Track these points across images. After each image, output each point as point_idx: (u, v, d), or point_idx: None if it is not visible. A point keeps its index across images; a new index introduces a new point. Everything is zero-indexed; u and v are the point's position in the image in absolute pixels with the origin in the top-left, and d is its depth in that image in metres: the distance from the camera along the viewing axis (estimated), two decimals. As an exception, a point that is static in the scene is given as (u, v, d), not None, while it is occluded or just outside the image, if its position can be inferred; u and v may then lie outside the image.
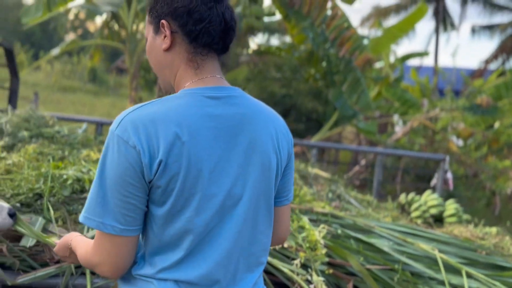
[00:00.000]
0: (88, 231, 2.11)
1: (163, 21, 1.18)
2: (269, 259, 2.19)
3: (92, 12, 8.05)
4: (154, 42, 1.23)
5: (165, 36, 1.19)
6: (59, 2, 6.67)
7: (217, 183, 1.14)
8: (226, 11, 1.19)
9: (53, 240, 1.93)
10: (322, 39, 7.29)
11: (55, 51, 9.70)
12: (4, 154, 2.71)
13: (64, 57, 29.64)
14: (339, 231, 2.57)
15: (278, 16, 8.72)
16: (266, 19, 9.73)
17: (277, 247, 2.21)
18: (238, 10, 7.36)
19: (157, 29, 1.21)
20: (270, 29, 10.31)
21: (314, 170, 3.88)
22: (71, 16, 26.18)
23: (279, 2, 6.68)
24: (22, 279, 1.95)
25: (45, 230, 2.10)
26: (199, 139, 1.11)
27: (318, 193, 3.37)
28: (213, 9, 1.16)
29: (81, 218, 1.14)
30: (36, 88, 18.35)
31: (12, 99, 3.99)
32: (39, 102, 12.31)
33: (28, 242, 1.98)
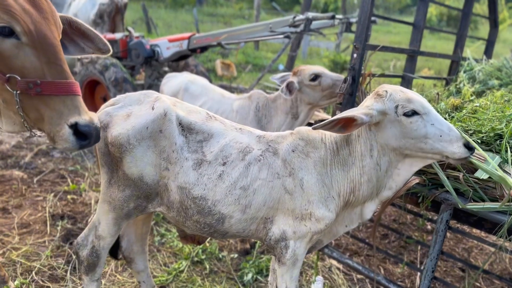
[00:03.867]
0: None
1: None
2: None
3: None
4: None
5: None
6: None
7: None
8: None
9: (510, 181, 2.00)
10: None
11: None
12: (473, 97, 2.94)
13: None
14: None
15: None
16: None
17: None
18: None
19: None
20: None
21: None
22: None
23: None
24: (471, 206, 2.15)
25: (500, 169, 2.18)
26: None
27: None
28: None
29: None
30: (516, 46, 17.56)
31: (489, 50, 4.14)
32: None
33: (481, 175, 2.14)
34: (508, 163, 2.18)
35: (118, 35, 5.83)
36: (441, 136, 1.85)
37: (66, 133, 1.63)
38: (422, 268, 2.86)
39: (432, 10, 26.32)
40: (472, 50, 4.94)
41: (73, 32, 1.88)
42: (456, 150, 1.84)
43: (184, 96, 3.96)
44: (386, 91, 1.93)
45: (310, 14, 4.19)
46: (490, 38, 4.19)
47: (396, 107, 1.88)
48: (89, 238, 2.29)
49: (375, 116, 1.89)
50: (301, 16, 4.21)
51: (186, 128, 2.08)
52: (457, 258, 3.28)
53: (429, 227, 4.24)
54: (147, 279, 2.69)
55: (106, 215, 2.19)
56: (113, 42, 5.78)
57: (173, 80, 4.23)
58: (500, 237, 2.10)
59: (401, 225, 4.26)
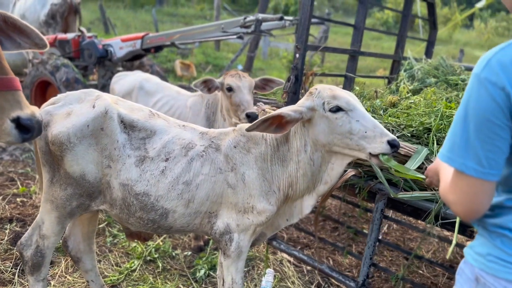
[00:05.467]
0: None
1: None
2: None
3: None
4: None
5: None
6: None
7: None
8: None
9: (418, 176, 2.12)
10: None
11: (480, 4, 9.28)
12: (409, 95, 3.12)
13: (501, 15, 27.89)
14: None
15: None
16: None
17: None
18: None
19: None
20: None
21: None
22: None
23: None
24: (402, 195, 2.30)
25: (427, 159, 2.35)
26: None
27: None
28: None
29: (442, 157, 1.20)
30: (465, 47, 18.42)
31: (429, 50, 4.39)
32: (463, 59, 12.49)
33: (411, 166, 2.30)
34: (435, 154, 2.35)
35: (70, 35, 5.73)
36: (366, 132, 1.90)
37: (8, 127, 1.66)
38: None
39: (389, 12, 27.19)
40: (418, 51, 5.20)
41: (8, 28, 1.89)
42: (378, 146, 1.88)
43: (139, 94, 3.97)
44: (316, 89, 2.04)
45: (260, 15, 4.30)
46: (430, 39, 4.44)
47: (323, 103, 1.97)
48: (33, 238, 2.28)
49: (304, 113, 1.99)
50: (251, 17, 4.31)
51: (128, 126, 2.12)
52: (401, 248, 3.46)
53: (377, 219, 4.44)
54: (96, 278, 2.69)
55: (49, 214, 2.19)
56: (65, 42, 5.68)
57: (125, 78, 4.22)
58: (429, 223, 2.26)
59: (350, 218, 4.43)
